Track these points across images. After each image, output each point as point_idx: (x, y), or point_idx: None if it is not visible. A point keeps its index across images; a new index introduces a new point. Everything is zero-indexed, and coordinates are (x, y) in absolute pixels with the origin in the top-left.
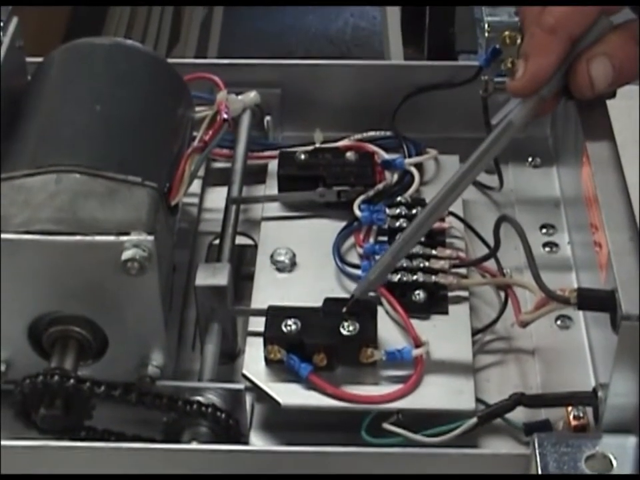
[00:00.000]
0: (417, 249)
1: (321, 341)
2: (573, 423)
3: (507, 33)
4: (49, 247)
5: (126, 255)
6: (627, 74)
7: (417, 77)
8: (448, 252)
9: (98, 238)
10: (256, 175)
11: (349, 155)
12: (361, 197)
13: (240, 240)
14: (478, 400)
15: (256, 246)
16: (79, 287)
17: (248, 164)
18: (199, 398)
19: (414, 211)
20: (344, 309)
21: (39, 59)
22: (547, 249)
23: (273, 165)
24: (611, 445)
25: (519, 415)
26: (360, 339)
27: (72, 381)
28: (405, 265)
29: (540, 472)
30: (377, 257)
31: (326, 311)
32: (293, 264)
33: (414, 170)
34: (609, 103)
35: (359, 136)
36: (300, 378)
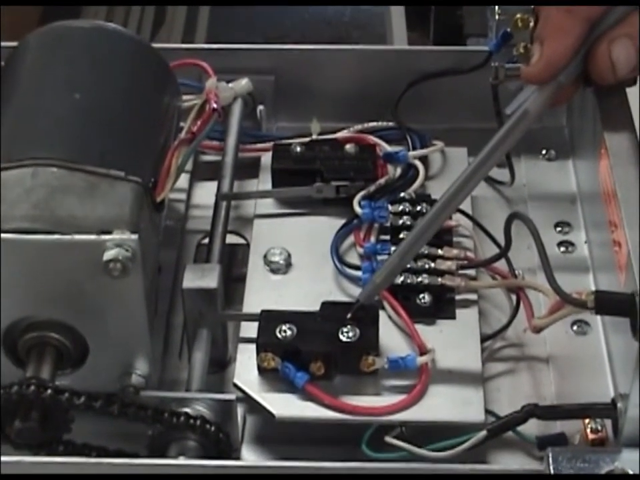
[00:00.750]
0: (422, 249)
1: (318, 347)
2: (590, 436)
3: (519, 15)
4: (25, 247)
5: (108, 255)
6: None
7: (421, 63)
8: (455, 252)
9: (77, 237)
10: (248, 169)
11: (349, 147)
12: (362, 193)
13: (231, 239)
14: (487, 411)
15: (248, 245)
16: (57, 289)
17: (239, 157)
18: (187, 409)
19: (418, 208)
20: (348, 316)
21: (13, 44)
22: (562, 248)
23: (267, 158)
24: (631, 460)
25: (531, 427)
26: (360, 346)
27: (49, 391)
28: (409, 265)
29: None
30: (379, 258)
31: (323, 316)
32: (288, 265)
33: (418, 163)
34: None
35: (359, 127)
36: (295, 388)
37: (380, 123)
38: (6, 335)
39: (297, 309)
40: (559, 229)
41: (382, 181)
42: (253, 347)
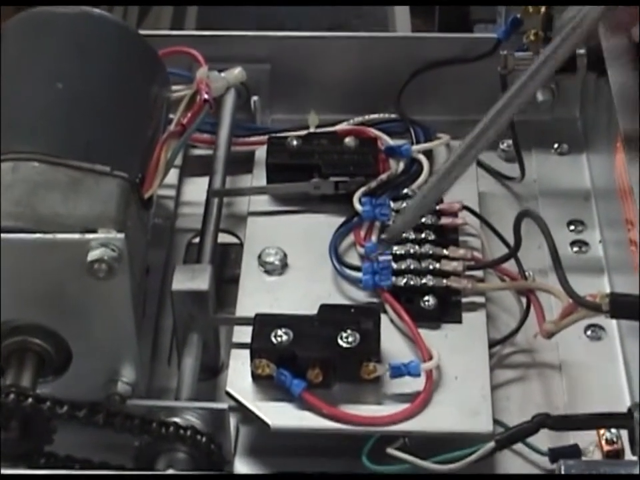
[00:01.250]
0: (426, 249)
1: (316, 353)
2: (606, 448)
3: None
4: (5, 247)
5: (92, 255)
6: None
7: (426, 51)
8: (461, 252)
9: (60, 236)
10: (241, 164)
11: (348, 140)
12: (362, 189)
13: (223, 238)
14: (496, 421)
15: (241, 245)
16: (39, 291)
17: (232, 151)
18: (176, 419)
19: None
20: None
21: None
22: (575, 248)
23: (261, 152)
24: None
25: (543, 438)
26: (360, 352)
27: (30, 399)
28: (412, 266)
29: None
30: (380, 258)
31: (322, 320)
32: (284, 265)
33: (422, 158)
34: None
35: (359, 119)
36: (292, 396)
37: (382, 115)
38: None
39: (293, 313)
40: (571, 227)
41: (384, 176)
42: (247, 352)
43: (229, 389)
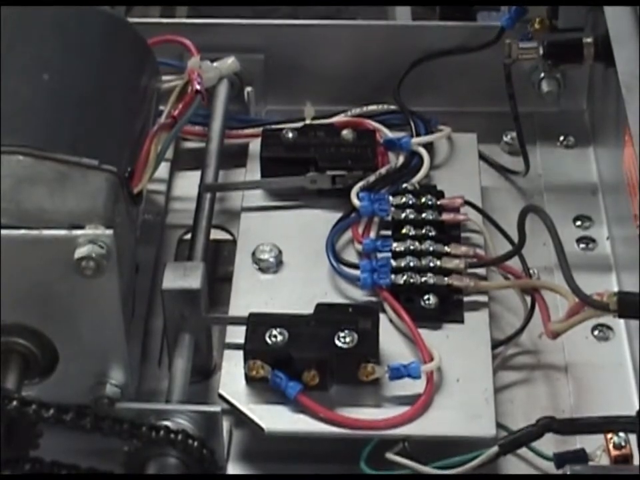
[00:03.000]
0: (427, 245)
1: (312, 354)
2: (614, 452)
3: None
4: None
5: (80, 252)
6: None
7: (427, 40)
8: (464, 249)
9: (46, 232)
10: (234, 157)
11: (346, 133)
12: (360, 184)
13: (215, 234)
14: (499, 425)
15: (234, 241)
16: (24, 290)
17: (225, 144)
18: (167, 423)
19: (422, 200)
20: None
21: None
22: (582, 245)
23: (255, 145)
24: None
25: (548, 443)
26: (358, 353)
27: (14, 402)
28: (411, 264)
29: None
30: (379, 255)
31: (318, 319)
32: (279, 263)
33: (423, 151)
34: None
35: (357, 110)
36: (287, 399)
37: (380, 107)
38: None
39: (288, 312)
40: (578, 223)
41: (382, 170)
42: (240, 353)
43: (221, 392)
